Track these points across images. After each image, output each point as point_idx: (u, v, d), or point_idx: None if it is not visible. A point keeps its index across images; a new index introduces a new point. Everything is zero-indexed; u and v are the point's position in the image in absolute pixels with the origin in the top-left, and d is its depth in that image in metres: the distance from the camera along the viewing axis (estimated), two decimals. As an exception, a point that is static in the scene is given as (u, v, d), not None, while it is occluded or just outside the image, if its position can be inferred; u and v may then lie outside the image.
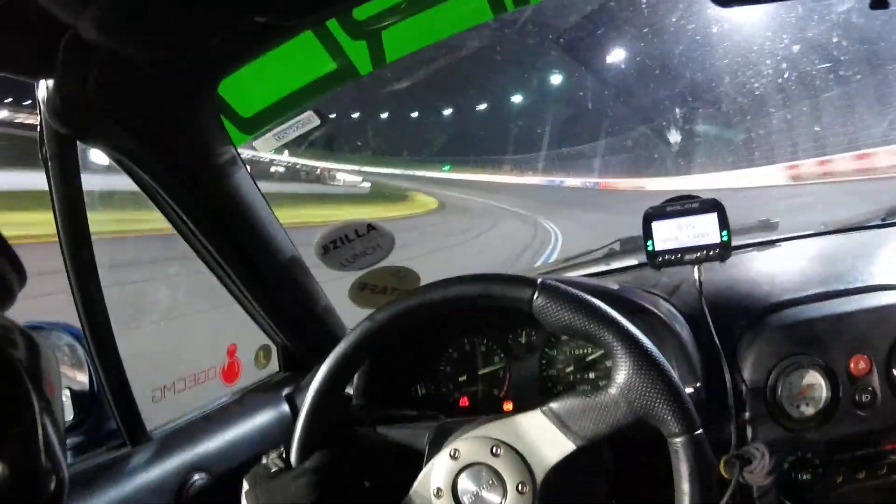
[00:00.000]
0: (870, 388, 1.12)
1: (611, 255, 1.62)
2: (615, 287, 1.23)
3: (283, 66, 1.08)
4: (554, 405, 0.81)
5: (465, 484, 0.82)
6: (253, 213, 1.15)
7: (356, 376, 1.11)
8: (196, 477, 1.03)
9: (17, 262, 0.58)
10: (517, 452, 0.81)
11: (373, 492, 0.99)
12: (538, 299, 0.80)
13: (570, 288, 0.82)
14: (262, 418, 1.22)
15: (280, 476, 0.87)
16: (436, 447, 0.89)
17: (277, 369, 1.38)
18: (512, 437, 0.83)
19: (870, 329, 1.14)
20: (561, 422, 0.80)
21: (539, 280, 0.82)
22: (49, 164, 0.90)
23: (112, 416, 0.99)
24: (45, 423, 0.53)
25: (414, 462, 0.90)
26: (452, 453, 0.84)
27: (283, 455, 0.90)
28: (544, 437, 0.81)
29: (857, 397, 1.12)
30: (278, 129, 1.16)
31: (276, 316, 1.28)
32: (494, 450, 0.82)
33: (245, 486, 0.87)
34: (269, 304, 1.25)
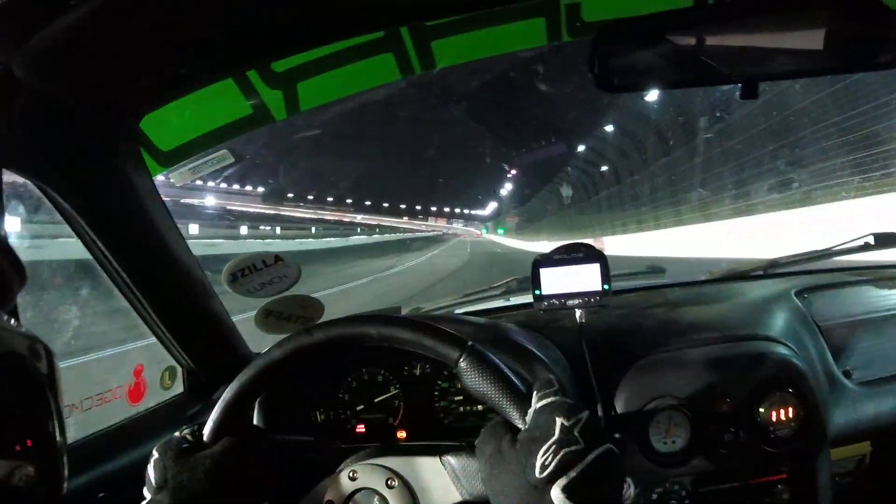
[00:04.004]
0: (732, 429, 1.28)
1: (508, 292, 1.77)
2: (511, 332, 1.37)
3: (203, 107, 1.20)
4: (453, 459, 0.93)
5: None
6: (165, 240, 1.23)
7: (257, 402, 1.18)
8: (101, 496, 1.09)
9: (16, 262, 0.64)
10: (410, 490, 0.94)
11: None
12: (463, 362, 0.84)
13: (496, 360, 0.85)
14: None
15: (191, 452, 0.91)
16: (332, 466, 1.00)
17: (182, 390, 1.45)
18: (409, 473, 0.95)
19: (735, 375, 1.31)
20: (455, 475, 0.92)
21: (469, 343, 0.85)
22: None
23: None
24: (62, 432, 0.61)
25: (307, 477, 1.01)
26: (350, 475, 0.96)
27: (196, 432, 0.95)
28: (438, 482, 0.93)
29: (720, 436, 1.28)
30: (194, 163, 1.26)
31: (183, 339, 1.36)
32: (390, 482, 0.95)
33: (154, 455, 0.91)
34: (177, 327, 1.33)
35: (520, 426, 0.79)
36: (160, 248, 1.23)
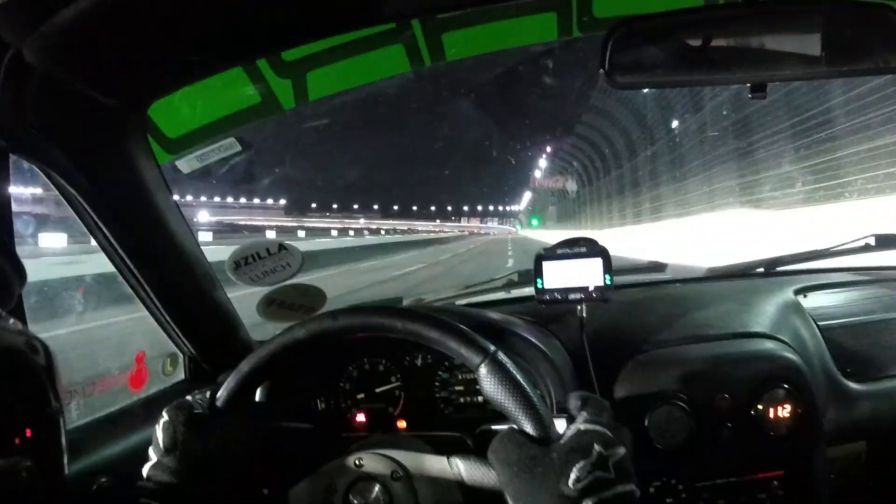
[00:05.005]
0: (730, 425, 1.30)
1: (510, 285, 1.79)
2: (513, 324, 1.38)
3: (212, 95, 1.21)
4: (461, 462, 0.94)
5: (359, 491, 0.96)
6: (169, 226, 1.24)
7: (259, 390, 1.19)
8: (101, 480, 1.09)
9: (17, 261, 0.65)
10: (412, 484, 0.95)
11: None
12: (483, 368, 0.86)
13: (516, 371, 0.86)
14: None
15: (202, 419, 0.93)
16: (337, 451, 1.01)
17: (184, 378, 1.47)
18: (415, 467, 0.96)
19: (734, 372, 1.33)
20: (461, 477, 0.94)
21: (492, 350, 0.88)
22: None
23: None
24: (62, 427, 0.62)
25: (308, 461, 1.02)
26: (357, 461, 0.97)
27: (208, 399, 0.96)
28: (441, 481, 0.95)
29: (719, 432, 1.30)
30: (201, 151, 1.27)
31: (186, 326, 1.37)
32: (395, 473, 0.96)
33: (164, 416, 0.92)
34: (179, 314, 1.34)
35: (532, 434, 0.82)
36: (164, 234, 1.24)
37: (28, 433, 0.57)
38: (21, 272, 0.67)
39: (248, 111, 1.25)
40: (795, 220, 10.63)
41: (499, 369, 0.85)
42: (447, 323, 0.91)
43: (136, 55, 0.99)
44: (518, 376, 0.86)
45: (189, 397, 0.97)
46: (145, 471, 0.91)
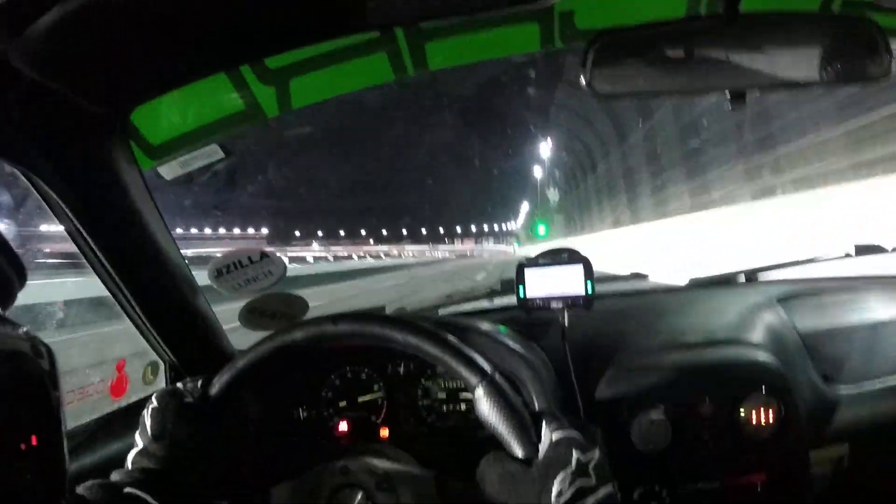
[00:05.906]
0: (713, 430, 1.32)
1: (493, 294, 1.79)
2: (498, 333, 1.38)
3: (195, 101, 1.20)
4: (447, 477, 0.94)
5: (343, 498, 0.95)
6: (151, 232, 1.24)
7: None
8: (79, 490, 1.09)
9: (17, 262, 0.65)
10: (397, 495, 0.95)
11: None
12: (479, 389, 0.86)
13: (511, 394, 0.87)
14: None
15: (194, 407, 0.92)
16: (322, 457, 1.00)
17: (164, 386, 1.43)
18: (401, 478, 0.96)
19: (714, 379, 1.35)
20: (444, 497, 0.94)
21: (489, 371, 0.88)
22: None
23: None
24: (63, 431, 0.62)
25: (289, 462, 1.01)
26: (343, 468, 0.96)
27: (199, 388, 0.95)
28: (426, 494, 0.94)
29: (701, 437, 1.32)
30: (183, 158, 1.26)
31: (166, 334, 1.35)
32: (380, 484, 0.95)
33: (153, 403, 0.92)
34: (160, 321, 1.33)
35: (520, 457, 0.82)
36: (146, 240, 1.23)
37: (32, 436, 0.58)
38: (21, 272, 0.67)
39: (232, 118, 1.25)
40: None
41: (495, 392, 0.85)
42: (447, 340, 0.91)
43: (120, 60, 1.00)
44: (513, 401, 0.86)
45: (180, 385, 0.96)
46: (130, 457, 0.90)
